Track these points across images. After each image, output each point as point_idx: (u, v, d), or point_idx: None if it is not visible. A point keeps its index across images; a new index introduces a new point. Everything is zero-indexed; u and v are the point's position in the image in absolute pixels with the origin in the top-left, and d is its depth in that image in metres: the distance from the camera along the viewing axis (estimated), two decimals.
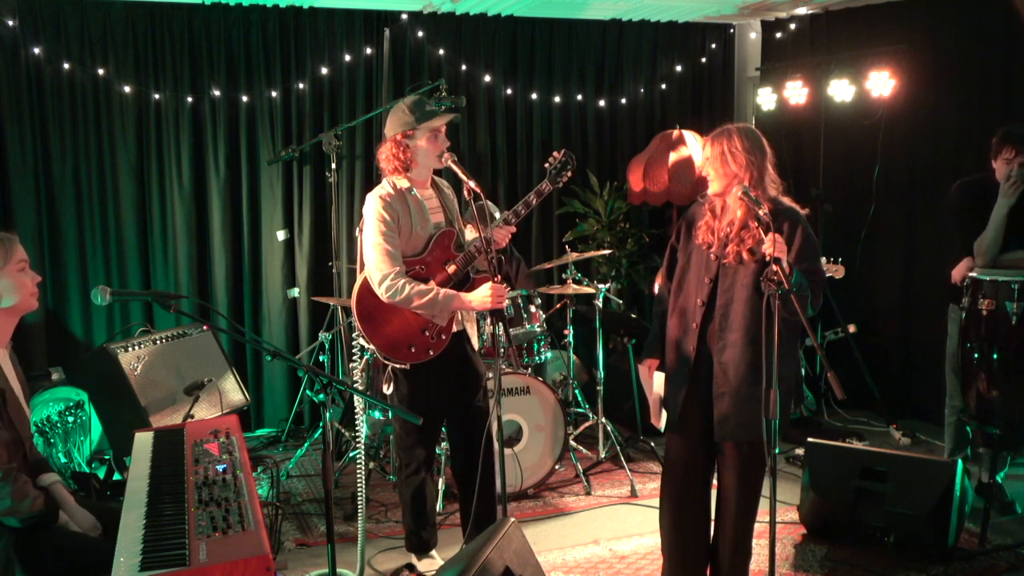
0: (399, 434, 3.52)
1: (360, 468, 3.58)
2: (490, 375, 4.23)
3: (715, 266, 2.88)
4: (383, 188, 3.31)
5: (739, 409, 2.83)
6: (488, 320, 4.50)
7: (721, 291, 2.86)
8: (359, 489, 3.55)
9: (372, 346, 3.35)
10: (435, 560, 3.58)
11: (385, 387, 4.08)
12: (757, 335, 2.76)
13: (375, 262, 3.22)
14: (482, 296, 3.23)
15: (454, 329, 3.39)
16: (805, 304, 2.70)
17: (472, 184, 3.14)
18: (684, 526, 3.04)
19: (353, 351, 4.15)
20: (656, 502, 4.18)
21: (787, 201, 2.89)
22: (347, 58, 5.48)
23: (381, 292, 3.21)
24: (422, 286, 3.23)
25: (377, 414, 4.79)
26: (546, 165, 3.44)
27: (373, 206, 3.26)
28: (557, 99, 6.04)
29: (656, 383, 3.08)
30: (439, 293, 3.23)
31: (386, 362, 3.35)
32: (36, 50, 4.91)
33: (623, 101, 6.23)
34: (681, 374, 2.95)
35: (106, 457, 4.50)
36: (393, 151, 3.28)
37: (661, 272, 3.16)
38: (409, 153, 3.28)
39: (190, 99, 5.24)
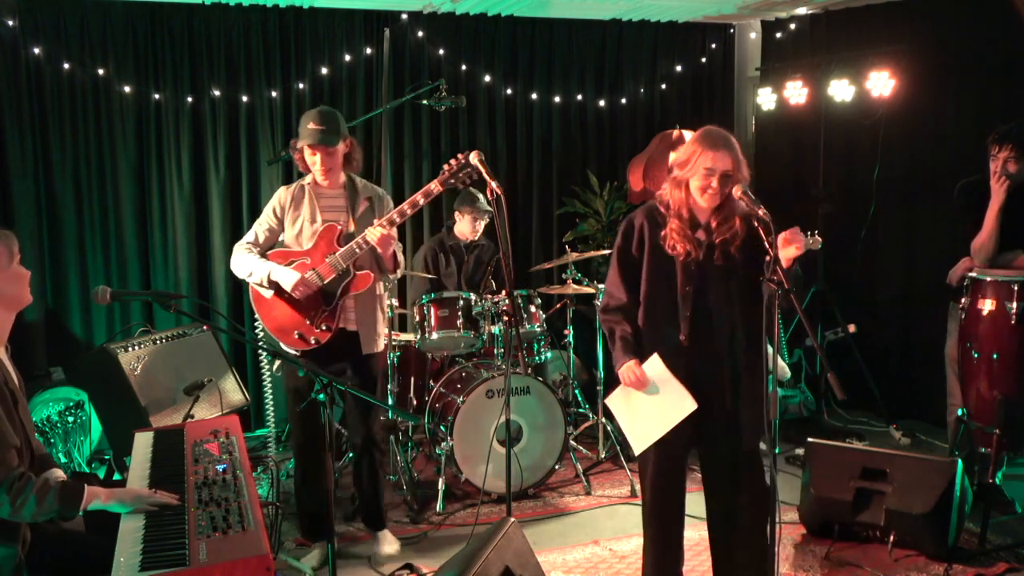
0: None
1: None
2: (489, 375, 4.25)
3: (697, 274, 2.81)
4: (295, 182, 3.64)
5: (752, 413, 2.82)
6: (487, 320, 4.53)
7: (714, 300, 2.81)
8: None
9: (266, 328, 3.58)
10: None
11: (275, 367, 4.37)
12: (755, 338, 2.75)
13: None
14: (282, 276, 3.42)
15: (343, 325, 3.51)
16: (803, 297, 2.69)
17: (495, 185, 3.19)
18: (671, 538, 3.02)
19: (258, 332, 4.31)
20: None
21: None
22: (347, 58, 5.48)
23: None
24: (253, 256, 3.51)
25: None
26: (445, 167, 3.42)
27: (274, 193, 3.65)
28: (557, 99, 6.04)
29: (651, 368, 2.85)
30: (259, 262, 3.47)
31: (281, 345, 3.52)
32: (36, 50, 4.91)
33: (623, 101, 6.23)
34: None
35: (106, 457, 4.50)
36: (295, 152, 3.57)
37: (614, 281, 2.95)
38: (299, 155, 3.53)
39: (190, 99, 5.24)
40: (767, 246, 2.61)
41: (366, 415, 3.65)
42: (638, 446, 2.95)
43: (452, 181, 3.39)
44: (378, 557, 3.69)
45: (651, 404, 2.87)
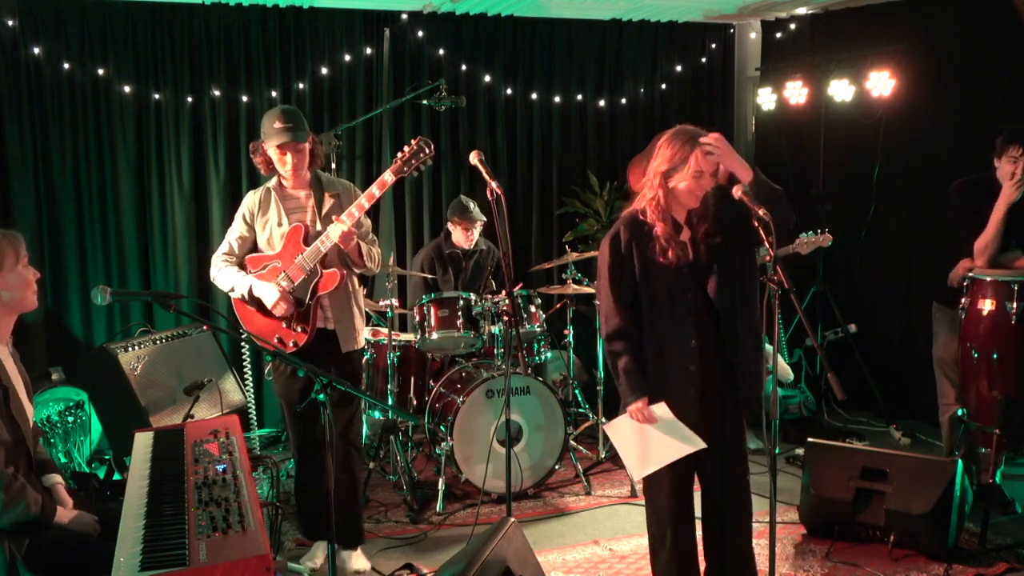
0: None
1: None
2: (495, 374, 4.25)
3: (693, 276, 2.80)
4: (261, 187, 3.59)
5: (750, 391, 2.84)
6: (487, 320, 4.53)
7: (717, 297, 2.80)
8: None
9: (249, 333, 3.60)
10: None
11: (266, 372, 4.38)
12: (750, 322, 2.78)
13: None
14: (264, 293, 3.40)
15: (321, 325, 3.48)
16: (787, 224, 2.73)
17: (495, 185, 3.19)
18: (692, 539, 2.98)
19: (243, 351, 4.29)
20: None
21: None
22: (347, 58, 5.48)
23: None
24: (232, 269, 3.49)
25: (377, 414, 4.80)
26: (399, 154, 3.40)
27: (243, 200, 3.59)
28: (557, 99, 6.04)
29: (660, 412, 2.84)
30: (239, 277, 3.46)
31: (265, 347, 3.49)
32: (36, 50, 4.91)
33: (623, 101, 6.23)
34: (687, 396, 2.84)
35: (106, 457, 4.50)
36: (257, 155, 3.52)
37: (609, 306, 2.86)
38: (265, 157, 3.48)
39: (190, 99, 5.24)
40: (767, 246, 2.61)
41: (348, 416, 3.55)
42: (637, 473, 2.94)
43: (406, 169, 3.37)
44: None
45: (657, 438, 2.83)
